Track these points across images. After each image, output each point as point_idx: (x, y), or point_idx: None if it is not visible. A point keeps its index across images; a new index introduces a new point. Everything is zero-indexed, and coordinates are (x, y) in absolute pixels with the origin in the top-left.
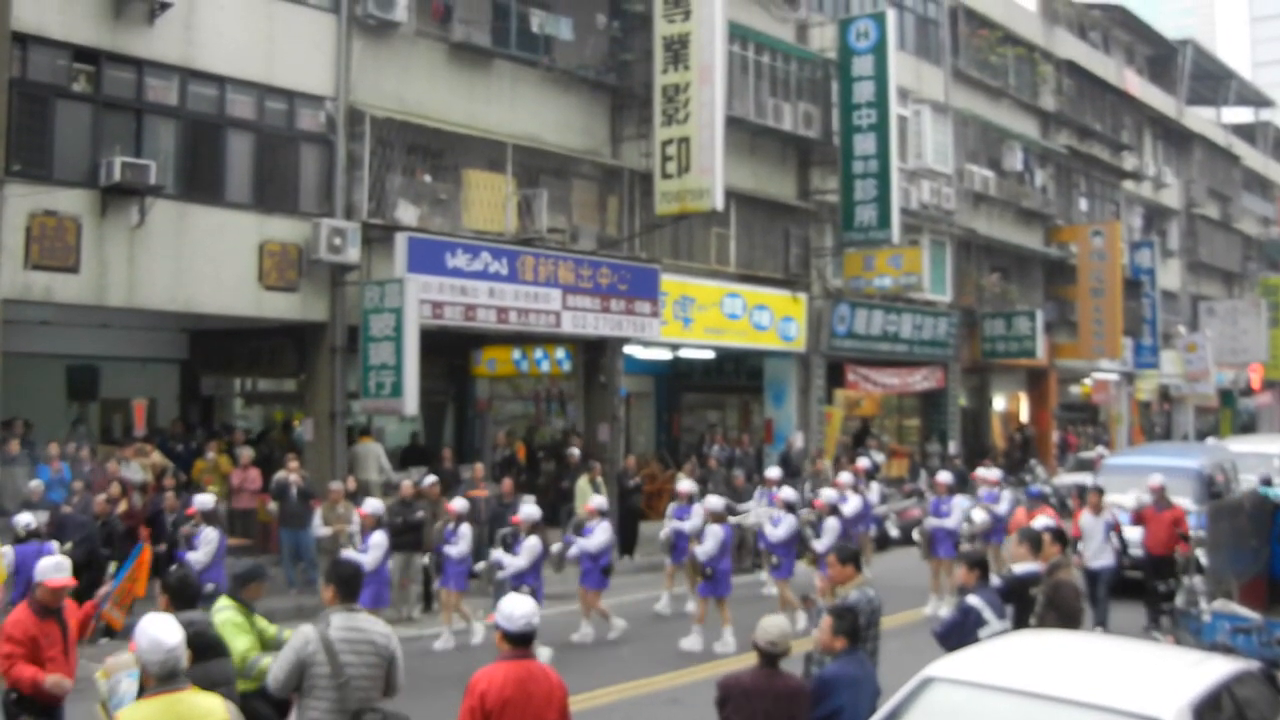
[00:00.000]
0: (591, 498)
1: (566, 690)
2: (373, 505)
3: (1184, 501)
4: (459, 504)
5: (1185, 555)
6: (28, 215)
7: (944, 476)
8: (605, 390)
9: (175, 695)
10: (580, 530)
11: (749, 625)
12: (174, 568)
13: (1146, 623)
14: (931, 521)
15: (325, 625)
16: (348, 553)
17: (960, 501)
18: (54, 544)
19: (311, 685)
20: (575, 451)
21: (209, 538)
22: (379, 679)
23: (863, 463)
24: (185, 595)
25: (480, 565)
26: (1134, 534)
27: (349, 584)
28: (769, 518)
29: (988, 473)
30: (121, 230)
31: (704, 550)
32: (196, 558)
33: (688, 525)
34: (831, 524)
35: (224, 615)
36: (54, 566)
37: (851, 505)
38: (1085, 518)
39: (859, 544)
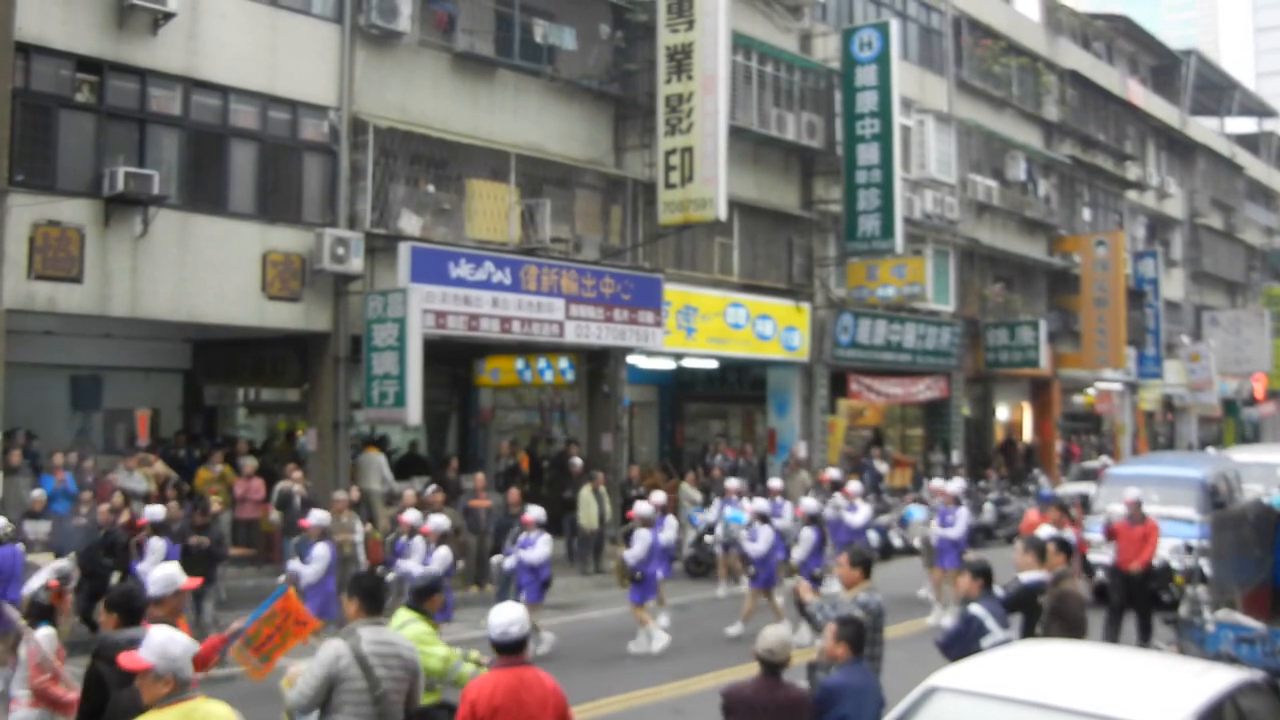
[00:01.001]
0: (530, 509)
1: (564, 695)
2: (436, 521)
3: (1187, 511)
4: (411, 516)
5: (1162, 569)
6: (31, 225)
7: (951, 486)
8: (608, 400)
9: (189, 704)
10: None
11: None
12: (118, 582)
13: (1138, 639)
14: (936, 531)
15: (356, 639)
16: (406, 565)
17: (964, 512)
18: (20, 546)
19: (341, 702)
20: (577, 462)
21: (155, 548)
22: (405, 692)
23: (831, 473)
24: (131, 610)
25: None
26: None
27: (372, 596)
28: (744, 532)
29: (945, 484)
30: (125, 240)
31: (632, 554)
32: (144, 568)
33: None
34: (807, 534)
35: (414, 628)
36: (166, 580)
37: (861, 514)
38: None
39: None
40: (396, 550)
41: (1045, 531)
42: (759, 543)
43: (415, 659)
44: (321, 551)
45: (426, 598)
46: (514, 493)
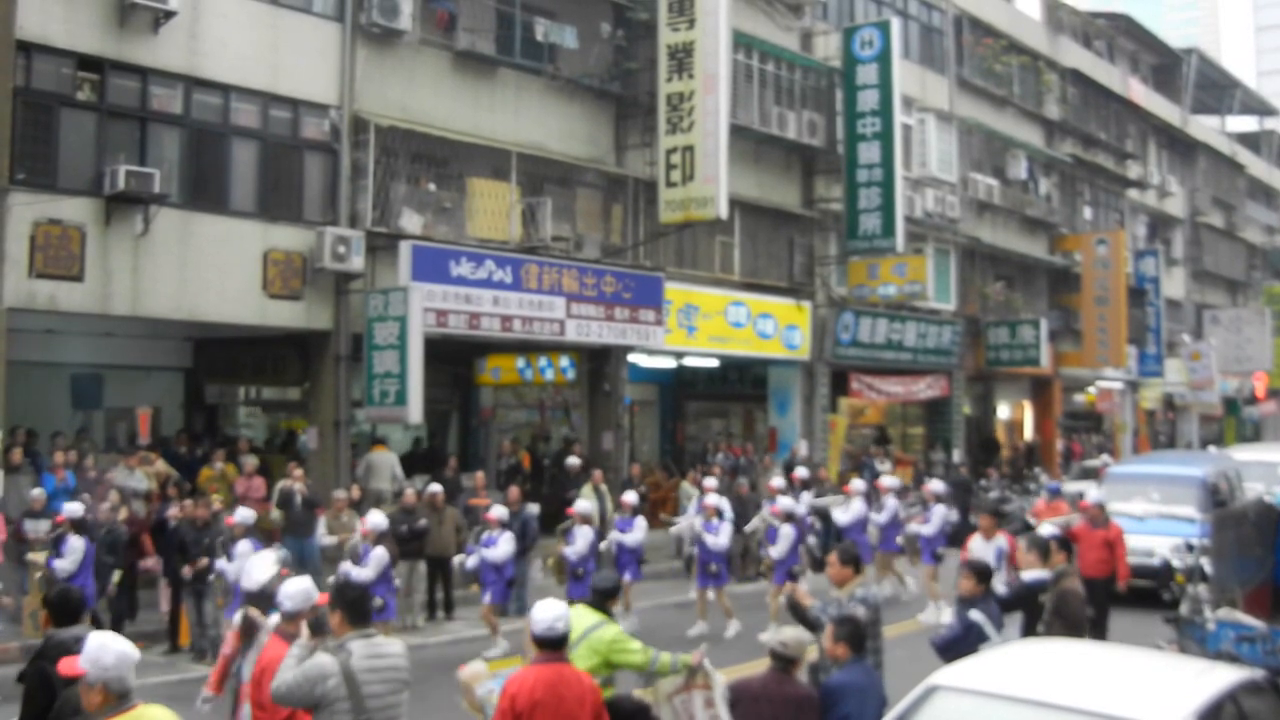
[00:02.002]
0: (494, 508)
1: (600, 692)
2: (374, 520)
3: (1188, 510)
4: (374, 520)
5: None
6: (32, 224)
7: (932, 485)
8: (609, 399)
9: (133, 713)
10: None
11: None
12: (48, 582)
13: None
14: (913, 527)
15: (346, 655)
16: (346, 566)
17: (940, 509)
18: None
19: (331, 712)
20: (575, 461)
21: (74, 546)
22: (399, 705)
23: (800, 472)
24: (66, 611)
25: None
26: None
27: (356, 607)
28: (702, 526)
29: (888, 481)
30: (126, 239)
31: (574, 551)
32: (63, 565)
33: (630, 537)
34: (786, 531)
35: (608, 631)
36: (303, 595)
37: (853, 511)
38: (976, 543)
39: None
40: (363, 556)
41: (1047, 530)
42: (719, 536)
43: (406, 669)
44: (244, 549)
45: (610, 598)
46: (514, 491)
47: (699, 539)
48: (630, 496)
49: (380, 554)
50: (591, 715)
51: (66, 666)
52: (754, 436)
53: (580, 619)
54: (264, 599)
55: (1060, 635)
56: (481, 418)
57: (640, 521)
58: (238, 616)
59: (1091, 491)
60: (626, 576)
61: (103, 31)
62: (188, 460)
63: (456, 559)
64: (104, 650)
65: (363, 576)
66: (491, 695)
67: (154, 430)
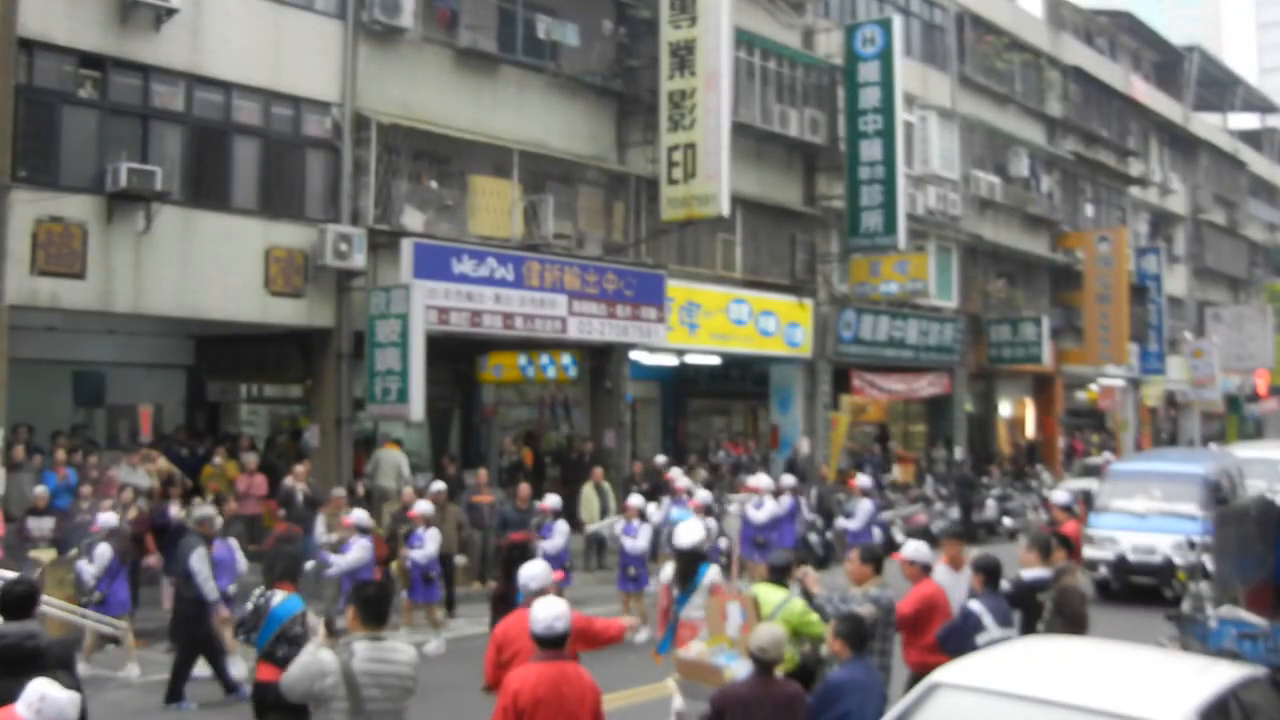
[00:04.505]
0: (351, 512)
1: (599, 692)
2: (357, 515)
3: (1190, 507)
4: (423, 507)
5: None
6: (34, 221)
7: (859, 480)
8: (611, 396)
9: None
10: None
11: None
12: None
13: None
14: (840, 523)
15: (349, 655)
16: (326, 555)
17: (865, 504)
18: (233, 540)
19: (328, 710)
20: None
21: (102, 553)
22: (402, 711)
23: (784, 479)
24: (19, 605)
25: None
26: None
27: (371, 606)
28: (620, 528)
29: (756, 480)
30: (128, 236)
31: (424, 554)
32: (346, 562)
33: (637, 543)
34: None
35: (796, 604)
36: (543, 576)
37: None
38: (941, 573)
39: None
40: (411, 542)
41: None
42: (639, 539)
43: (415, 674)
44: (363, 543)
45: (786, 572)
46: (524, 488)
47: (618, 542)
48: (636, 500)
49: (364, 544)
50: (591, 713)
51: (5, 716)
52: (756, 434)
53: (769, 595)
54: (696, 557)
55: (1061, 633)
56: (483, 415)
57: (561, 526)
58: (667, 571)
59: (1059, 494)
60: (630, 587)
61: (104, 29)
62: (188, 459)
63: (310, 564)
64: (46, 702)
65: (343, 565)
66: (730, 666)
67: (156, 428)
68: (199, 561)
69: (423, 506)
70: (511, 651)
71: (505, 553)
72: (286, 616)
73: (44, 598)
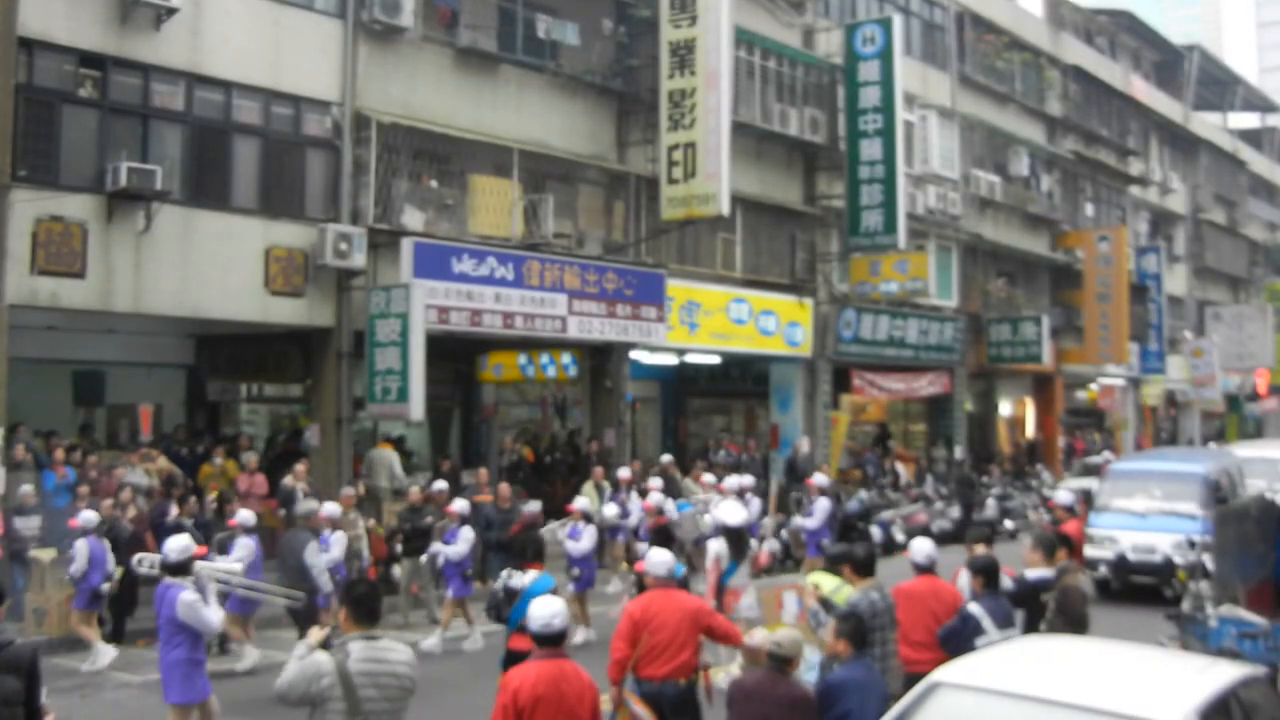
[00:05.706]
0: (457, 501)
1: (598, 690)
2: (328, 508)
3: (1190, 506)
4: (460, 505)
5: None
6: (34, 221)
7: (816, 479)
8: (611, 395)
9: None
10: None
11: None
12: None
13: None
14: (796, 521)
15: (344, 655)
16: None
17: (823, 503)
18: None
19: (325, 711)
20: (625, 473)
21: (467, 533)
22: (400, 711)
23: (744, 480)
24: None
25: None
26: None
27: (363, 605)
28: (564, 530)
29: (727, 481)
30: (128, 236)
31: (457, 551)
32: (455, 552)
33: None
34: (590, 531)
35: (846, 589)
36: (668, 564)
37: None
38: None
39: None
40: (446, 539)
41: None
42: (582, 540)
43: (413, 674)
44: (467, 533)
45: (838, 562)
46: (503, 488)
47: (562, 545)
48: (580, 502)
49: (339, 538)
50: (591, 711)
51: None
52: (756, 433)
53: (825, 582)
54: (741, 533)
55: (1062, 632)
56: (484, 415)
57: (466, 532)
58: (715, 546)
59: (1062, 494)
60: (450, 592)
61: (104, 28)
62: (187, 458)
63: (423, 557)
64: None
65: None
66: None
67: (156, 427)
68: (313, 555)
69: (459, 504)
70: (654, 627)
71: (650, 535)
72: (542, 593)
73: (225, 566)
